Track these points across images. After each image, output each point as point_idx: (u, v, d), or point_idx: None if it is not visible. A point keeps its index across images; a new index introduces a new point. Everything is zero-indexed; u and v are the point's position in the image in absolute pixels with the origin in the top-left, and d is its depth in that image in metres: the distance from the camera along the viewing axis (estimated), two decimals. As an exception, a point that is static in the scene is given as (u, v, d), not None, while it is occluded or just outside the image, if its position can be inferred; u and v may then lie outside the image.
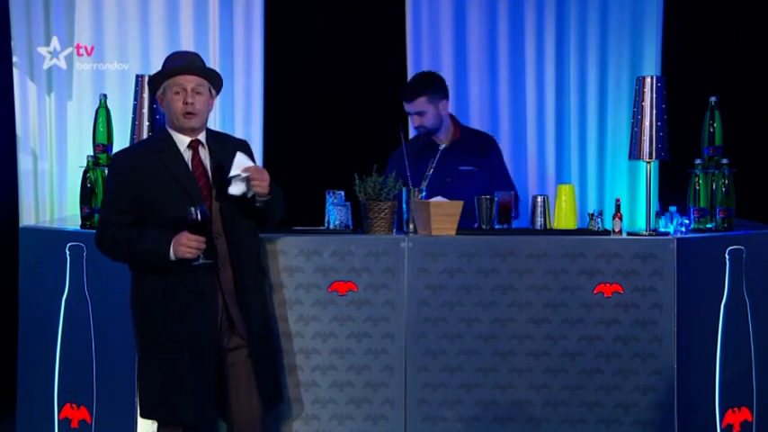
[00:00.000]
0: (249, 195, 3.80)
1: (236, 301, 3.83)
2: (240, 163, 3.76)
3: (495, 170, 4.99)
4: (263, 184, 3.79)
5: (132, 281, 3.88)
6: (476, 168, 4.93)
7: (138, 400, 3.99)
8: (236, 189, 3.76)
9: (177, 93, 3.83)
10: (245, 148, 3.96)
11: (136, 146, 4.16)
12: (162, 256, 3.74)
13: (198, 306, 3.78)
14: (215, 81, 3.92)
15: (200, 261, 3.75)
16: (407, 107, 4.95)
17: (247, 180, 3.76)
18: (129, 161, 3.87)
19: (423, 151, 4.95)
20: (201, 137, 3.90)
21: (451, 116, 5.08)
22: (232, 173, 3.75)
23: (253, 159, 3.91)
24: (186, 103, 3.82)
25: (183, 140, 3.87)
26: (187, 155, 3.86)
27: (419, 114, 4.92)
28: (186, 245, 3.71)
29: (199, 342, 3.78)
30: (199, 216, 3.68)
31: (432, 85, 4.97)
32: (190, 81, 3.83)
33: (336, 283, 4.19)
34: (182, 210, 3.71)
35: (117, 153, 3.97)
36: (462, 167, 4.93)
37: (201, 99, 3.85)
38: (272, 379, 3.95)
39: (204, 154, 3.88)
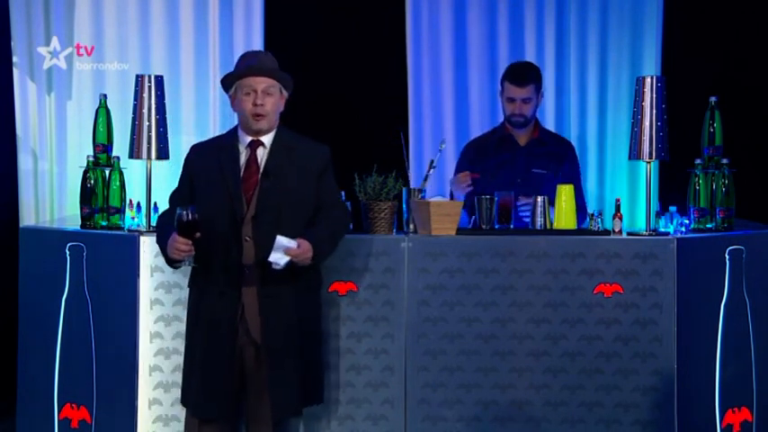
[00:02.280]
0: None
1: (258, 306, 3.81)
2: (280, 246, 3.71)
3: (571, 179, 4.76)
4: (304, 258, 3.75)
5: None
6: (549, 173, 4.82)
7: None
8: (278, 267, 3.73)
9: (248, 94, 3.86)
10: (313, 155, 3.93)
11: (210, 139, 4.17)
12: (166, 251, 3.81)
13: (219, 305, 3.80)
14: (286, 81, 3.93)
15: (186, 264, 3.78)
16: (513, 92, 4.77)
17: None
18: (195, 154, 3.97)
19: (500, 146, 4.86)
20: (266, 138, 3.89)
21: None
22: (272, 258, 3.71)
23: (328, 166, 3.92)
24: (256, 105, 3.83)
25: (245, 139, 3.90)
26: (244, 154, 3.87)
27: (525, 101, 4.76)
28: (174, 246, 3.74)
29: (215, 341, 3.80)
30: (189, 217, 3.69)
31: (539, 75, 4.84)
32: (260, 82, 3.85)
33: (336, 283, 4.19)
34: (221, 205, 3.77)
35: (193, 145, 4.03)
36: (536, 170, 4.83)
37: (271, 100, 3.87)
38: (286, 391, 3.83)
39: (262, 154, 3.88)
